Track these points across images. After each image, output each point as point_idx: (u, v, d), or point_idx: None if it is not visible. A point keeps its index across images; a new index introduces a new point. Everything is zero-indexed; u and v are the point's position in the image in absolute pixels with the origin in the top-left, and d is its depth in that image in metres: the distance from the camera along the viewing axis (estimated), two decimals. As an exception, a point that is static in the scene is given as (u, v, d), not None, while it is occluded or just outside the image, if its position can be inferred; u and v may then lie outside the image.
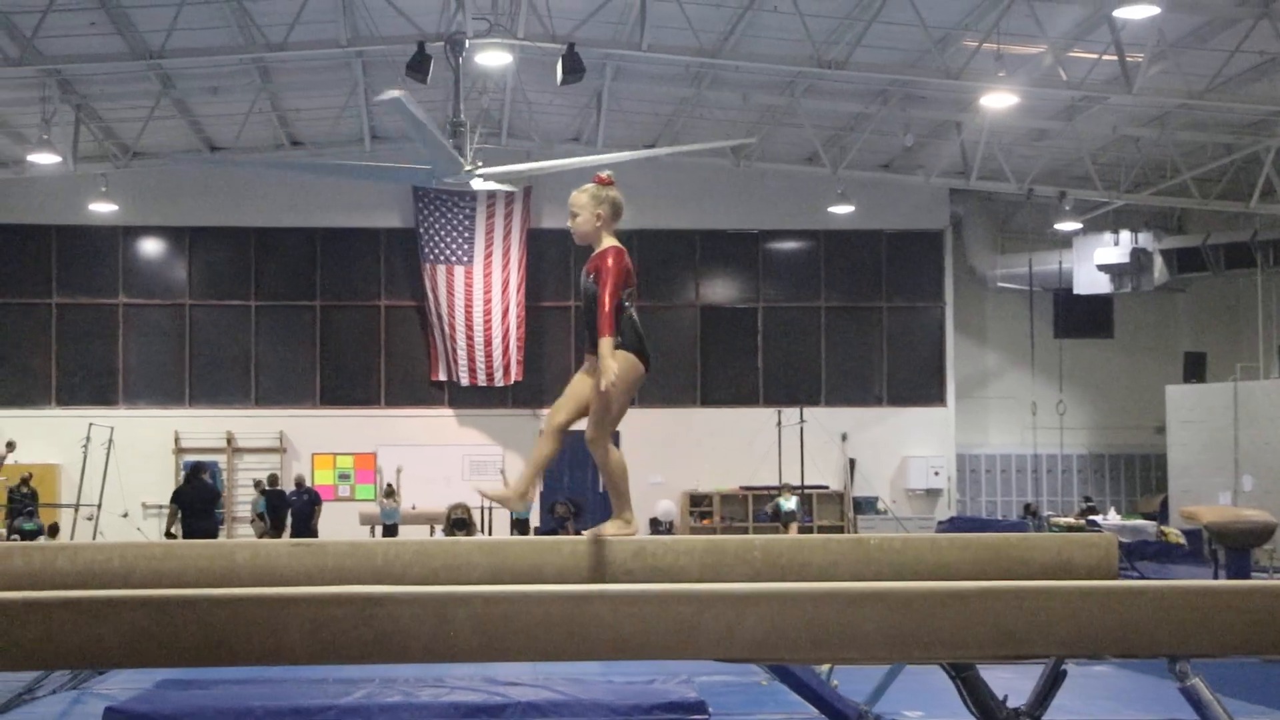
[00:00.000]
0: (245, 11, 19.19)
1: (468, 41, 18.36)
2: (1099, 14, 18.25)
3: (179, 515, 20.44)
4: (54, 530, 23.31)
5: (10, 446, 24.61)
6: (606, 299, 5.94)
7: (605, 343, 5.82)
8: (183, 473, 27.12)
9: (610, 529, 5.85)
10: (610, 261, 6.00)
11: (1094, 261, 27.35)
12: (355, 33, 20.17)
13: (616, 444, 6.17)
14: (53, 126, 21.75)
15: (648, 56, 20.39)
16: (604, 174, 6.23)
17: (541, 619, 4.42)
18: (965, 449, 29.22)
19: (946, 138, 24.55)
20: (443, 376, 27.40)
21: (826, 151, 25.06)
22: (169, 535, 21.08)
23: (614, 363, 5.81)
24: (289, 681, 9.98)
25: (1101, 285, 27.81)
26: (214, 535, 20.19)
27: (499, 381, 27.36)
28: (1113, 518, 24.29)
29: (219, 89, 22.64)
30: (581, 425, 6.08)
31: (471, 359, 27.13)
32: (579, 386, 6.13)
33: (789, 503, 25.54)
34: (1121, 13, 17.39)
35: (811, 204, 27.63)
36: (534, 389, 28.00)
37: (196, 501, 20.77)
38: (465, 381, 27.23)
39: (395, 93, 15.32)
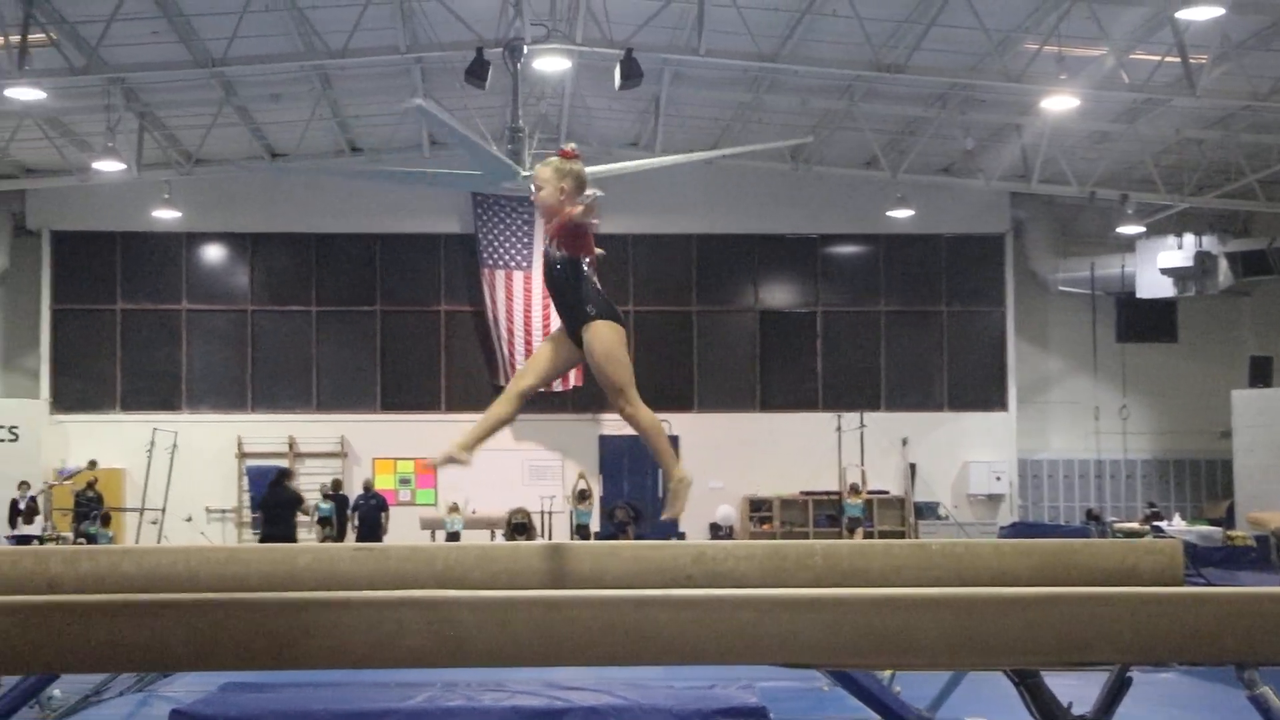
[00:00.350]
0: (306, 19, 19.31)
1: (526, 47, 18.38)
2: (1162, 15, 18.09)
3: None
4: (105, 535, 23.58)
5: (91, 465, 24.94)
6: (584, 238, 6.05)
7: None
8: (244, 478, 27.47)
9: (684, 482, 5.87)
10: (567, 223, 6.02)
11: (1157, 265, 27.05)
12: (414, 39, 20.26)
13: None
14: (117, 134, 21.97)
15: (706, 61, 20.38)
16: (568, 146, 6.26)
17: (602, 623, 4.41)
18: (1027, 454, 29.01)
19: (1007, 141, 24.38)
20: (504, 381, 27.41)
21: (886, 155, 24.96)
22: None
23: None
24: (351, 685, 10.01)
25: (1165, 289, 27.51)
26: (290, 541, 20.30)
27: (557, 387, 27.37)
28: (1178, 523, 24.07)
29: (280, 96, 22.80)
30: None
31: (532, 365, 27.14)
32: (547, 352, 6.17)
33: (854, 507, 25.42)
34: (1185, 14, 17.24)
35: (871, 208, 27.53)
36: (593, 394, 27.96)
37: (275, 507, 21.00)
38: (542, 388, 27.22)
39: (418, 100, 15.36)
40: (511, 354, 27.09)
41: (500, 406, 6.04)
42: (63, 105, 22.02)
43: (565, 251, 6.00)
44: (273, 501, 21.68)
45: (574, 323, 5.99)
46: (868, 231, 28.56)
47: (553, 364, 6.14)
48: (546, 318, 27.02)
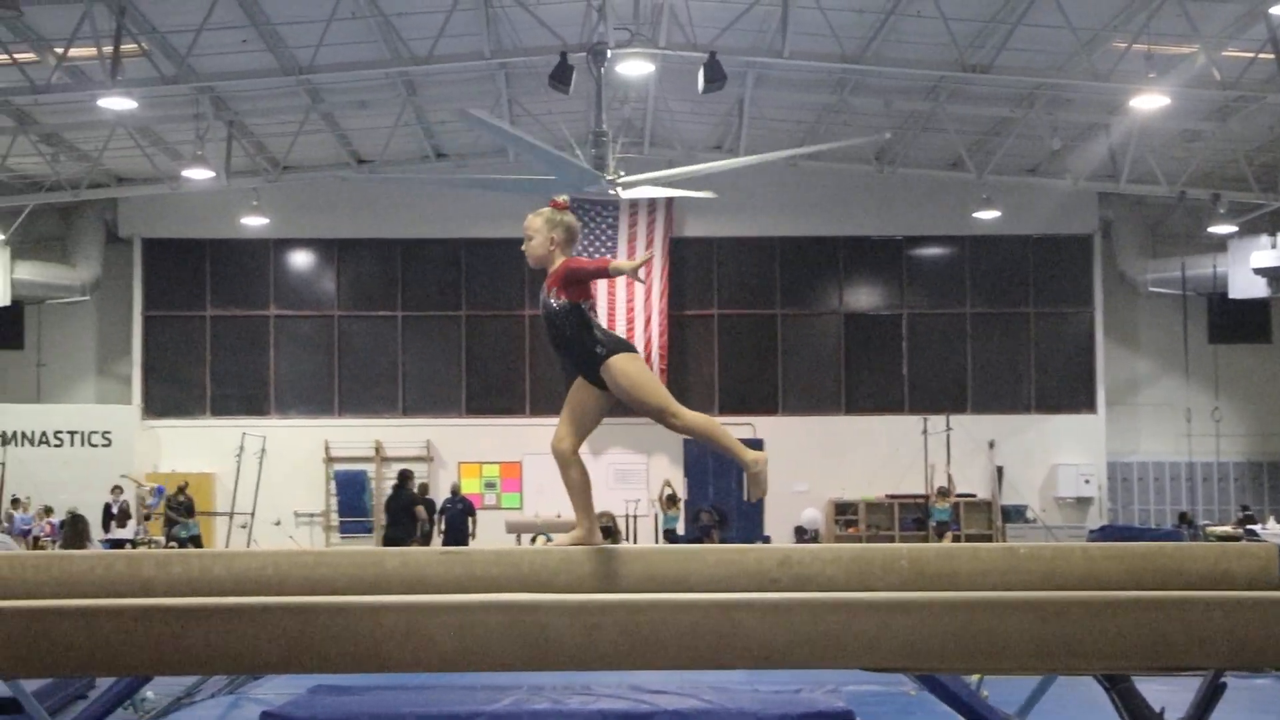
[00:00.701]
0: (391, 26, 19.45)
1: (609, 51, 18.42)
2: (1255, 11, 17.83)
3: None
4: (195, 542, 23.87)
5: (181, 490, 25.21)
6: (587, 264, 6.06)
7: (618, 264, 5.94)
8: (331, 482, 27.70)
9: (760, 463, 5.85)
10: (571, 264, 6.03)
11: (1250, 265, 26.62)
12: (499, 44, 20.35)
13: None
14: (206, 143, 22.25)
15: (789, 64, 20.31)
16: (560, 198, 6.26)
17: (688, 627, 4.41)
18: (1116, 457, 28.68)
19: (1094, 140, 24.11)
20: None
21: (971, 156, 24.78)
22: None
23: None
24: (438, 688, 10.08)
25: (1258, 289, 27.06)
26: (403, 543, 20.46)
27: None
28: (1272, 527, 23.71)
29: (366, 103, 22.99)
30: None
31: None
32: (579, 405, 6.12)
33: (942, 510, 25.25)
34: (1279, 10, 16.97)
35: (956, 209, 27.37)
36: (676, 396, 27.99)
37: (396, 510, 21.31)
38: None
39: (478, 111, 15.44)
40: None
41: (572, 473, 6.02)
42: (153, 114, 22.34)
43: (566, 298, 5.99)
44: (394, 504, 21.98)
45: (590, 368, 5.97)
46: (953, 233, 28.38)
47: (591, 414, 6.10)
48: (630, 321, 27.06)
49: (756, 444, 27.40)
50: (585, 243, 27.22)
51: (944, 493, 25.52)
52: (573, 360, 6.04)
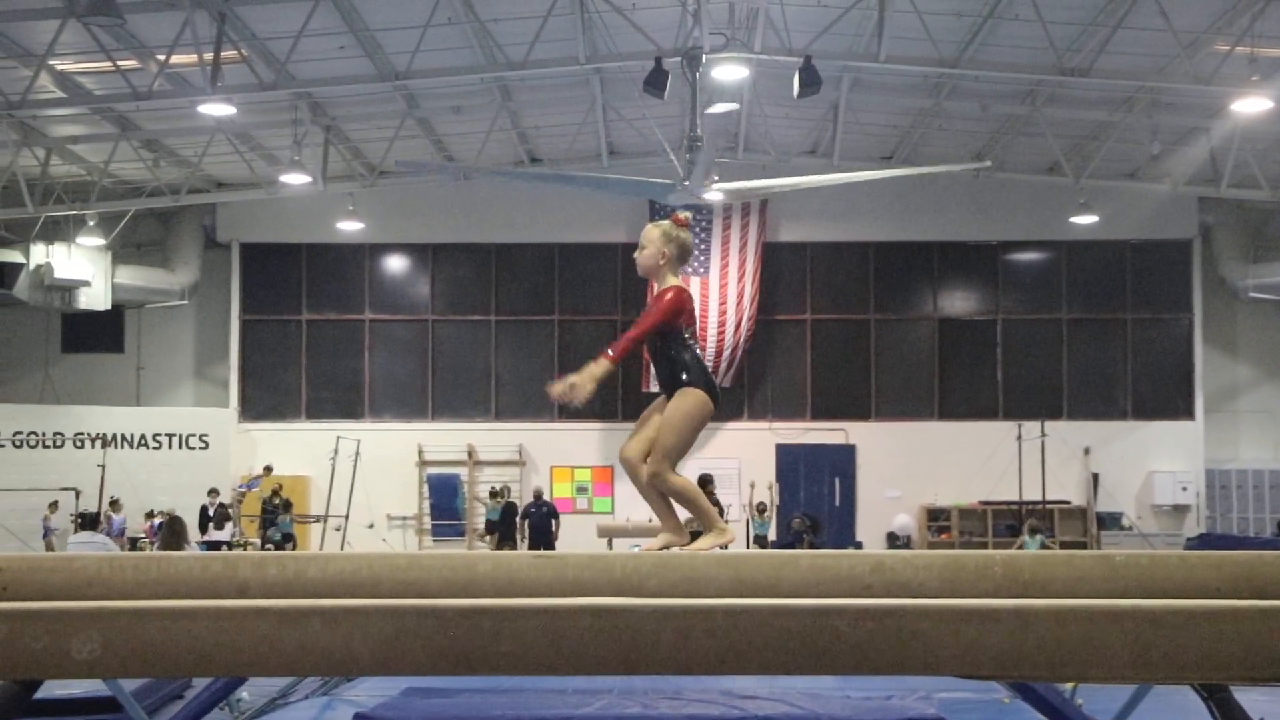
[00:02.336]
0: (487, 31, 19.54)
1: (704, 56, 18.42)
2: (1359, 12, 17.53)
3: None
4: (288, 539, 24.19)
5: (267, 470, 25.54)
6: (638, 326, 6.05)
7: (599, 364, 5.93)
8: (424, 485, 27.86)
9: (707, 542, 5.98)
10: (666, 299, 6.07)
11: (1353, 270, 26.24)
12: (594, 50, 20.39)
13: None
14: (303, 148, 22.48)
15: (885, 68, 20.20)
16: (682, 214, 6.33)
17: (780, 632, 4.39)
18: (1215, 464, 28.26)
19: (1195, 144, 23.78)
20: (654, 389, 27.28)
21: (1068, 160, 24.55)
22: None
23: (589, 378, 5.94)
24: (529, 691, 10.12)
25: (1362, 295, 26.67)
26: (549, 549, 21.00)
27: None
28: (1373, 536, 23.31)
29: (461, 108, 23.13)
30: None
31: (703, 370, 27.15)
32: (653, 419, 6.21)
33: (1032, 543, 24.81)
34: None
35: (1053, 214, 27.15)
36: (766, 402, 28.03)
37: (538, 518, 22.46)
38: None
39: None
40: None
41: (638, 482, 6.20)
42: (252, 120, 22.63)
43: (667, 321, 6.04)
44: (534, 515, 22.89)
45: (670, 389, 6.04)
46: (1050, 238, 28.13)
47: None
48: (721, 324, 27.03)
49: (849, 450, 27.57)
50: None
51: (1034, 527, 24.99)
52: (660, 377, 6.14)
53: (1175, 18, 17.86)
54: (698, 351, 6.15)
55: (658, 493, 6.11)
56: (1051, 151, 24.26)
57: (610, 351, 5.97)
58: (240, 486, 25.62)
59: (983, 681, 6.88)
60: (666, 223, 6.19)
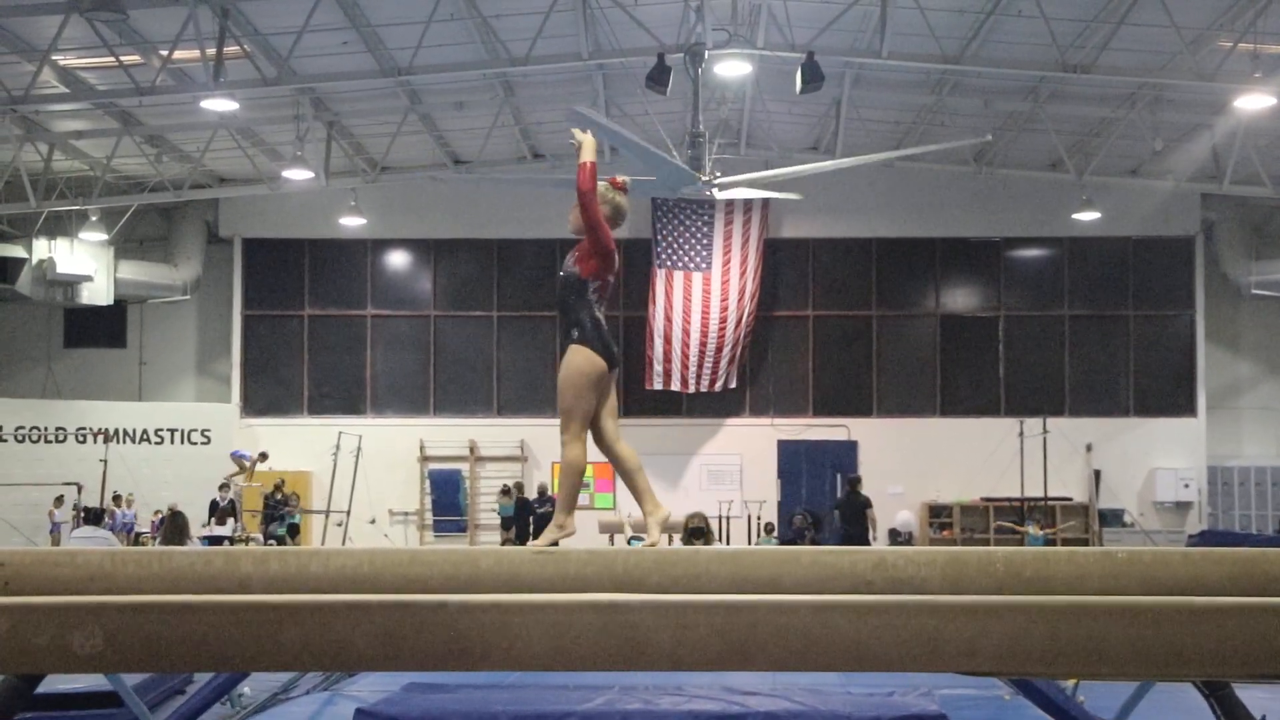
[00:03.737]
0: (489, 27, 19.54)
1: (707, 52, 18.41)
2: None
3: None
4: (294, 530, 24.16)
5: (263, 457, 25.51)
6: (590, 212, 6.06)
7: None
8: (426, 481, 27.80)
9: (545, 539, 5.98)
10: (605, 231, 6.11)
11: (1355, 267, 26.21)
12: (596, 46, 20.36)
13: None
14: (306, 143, 22.48)
15: (888, 64, 20.18)
16: (620, 178, 6.31)
17: (782, 628, 4.40)
18: (1217, 461, 28.25)
19: (1197, 140, 23.76)
20: (657, 385, 27.29)
21: (1071, 157, 24.53)
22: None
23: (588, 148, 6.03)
24: (531, 687, 10.12)
25: (1365, 292, 26.65)
26: (863, 543, 21.13)
27: (718, 387, 27.38)
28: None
29: (463, 104, 23.13)
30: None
31: (700, 365, 27.14)
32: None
33: (1036, 538, 24.83)
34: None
35: (1055, 210, 27.13)
36: (768, 398, 28.02)
37: (849, 510, 22.29)
38: (692, 389, 27.30)
39: (584, 109, 15.46)
40: (685, 353, 27.07)
41: (615, 466, 6.28)
42: (254, 116, 22.64)
43: (578, 269, 6.04)
44: (847, 505, 22.62)
45: (565, 341, 6.04)
46: (1052, 234, 28.11)
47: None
48: (723, 320, 27.01)
49: (851, 446, 27.56)
50: (680, 242, 27.23)
51: (1038, 520, 25.02)
52: (559, 326, 6.17)
53: (1178, 14, 17.85)
54: (598, 314, 6.10)
55: (630, 473, 6.11)
56: (1054, 148, 24.25)
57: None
58: (236, 453, 25.60)
59: (984, 677, 6.88)
60: (603, 184, 6.21)
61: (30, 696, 4.69)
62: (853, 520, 22.00)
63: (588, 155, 6.11)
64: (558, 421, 6.16)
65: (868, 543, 21.34)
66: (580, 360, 5.99)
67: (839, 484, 26.99)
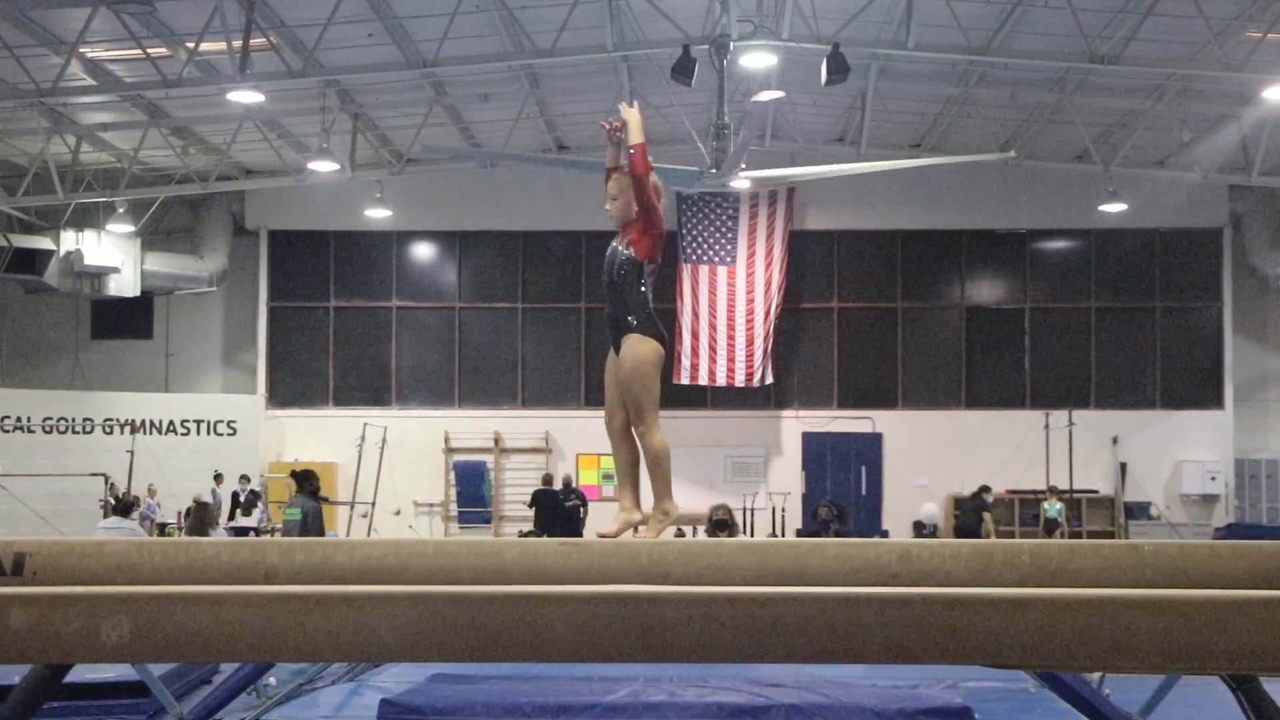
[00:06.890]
0: (515, 19, 19.55)
1: (732, 44, 18.39)
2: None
3: None
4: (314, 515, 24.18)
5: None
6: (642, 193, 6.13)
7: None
8: (451, 472, 27.89)
9: (653, 526, 6.04)
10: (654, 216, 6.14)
11: (1385, 258, 26.04)
12: (621, 37, 20.35)
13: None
14: (331, 135, 22.53)
15: (913, 55, 20.13)
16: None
17: (807, 621, 4.39)
18: (1244, 454, 28.12)
19: (1225, 132, 23.63)
20: (685, 380, 27.19)
21: (1098, 149, 24.42)
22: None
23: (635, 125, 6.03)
24: (555, 678, 10.13)
25: (1395, 284, 26.47)
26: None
27: (756, 382, 27.32)
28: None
29: (489, 96, 23.14)
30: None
31: (731, 359, 27.10)
32: (610, 382, 6.34)
33: (1053, 509, 24.93)
34: None
35: (1081, 202, 27.03)
36: (792, 390, 27.99)
37: (970, 511, 23.67)
38: (722, 382, 27.25)
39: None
40: (713, 347, 27.05)
41: (622, 454, 6.28)
42: (280, 108, 22.67)
43: (632, 251, 5.99)
44: (970, 505, 23.70)
45: (617, 332, 5.97)
46: (1078, 226, 28.02)
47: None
48: (750, 313, 26.98)
49: (876, 438, 27.51)
50: (705, 235, 27.20)
51: (1055, 492, 25.16)
52: (611, 319, 6.17)
53: (1206, 4, 17.77)
54: (650, 297, 6.07)
55: (622, 468, 6.10)
56: (1080, 139, 24.15)
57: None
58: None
59: (1010, 671, 6.86)
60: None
61: (59, 685, 4.71)
62: (971, 513, 23.57)
63: (637, 135, 6.07)
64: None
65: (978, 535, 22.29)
66: (646, 351, 5.98)
67: (863, 476, 26.98)
